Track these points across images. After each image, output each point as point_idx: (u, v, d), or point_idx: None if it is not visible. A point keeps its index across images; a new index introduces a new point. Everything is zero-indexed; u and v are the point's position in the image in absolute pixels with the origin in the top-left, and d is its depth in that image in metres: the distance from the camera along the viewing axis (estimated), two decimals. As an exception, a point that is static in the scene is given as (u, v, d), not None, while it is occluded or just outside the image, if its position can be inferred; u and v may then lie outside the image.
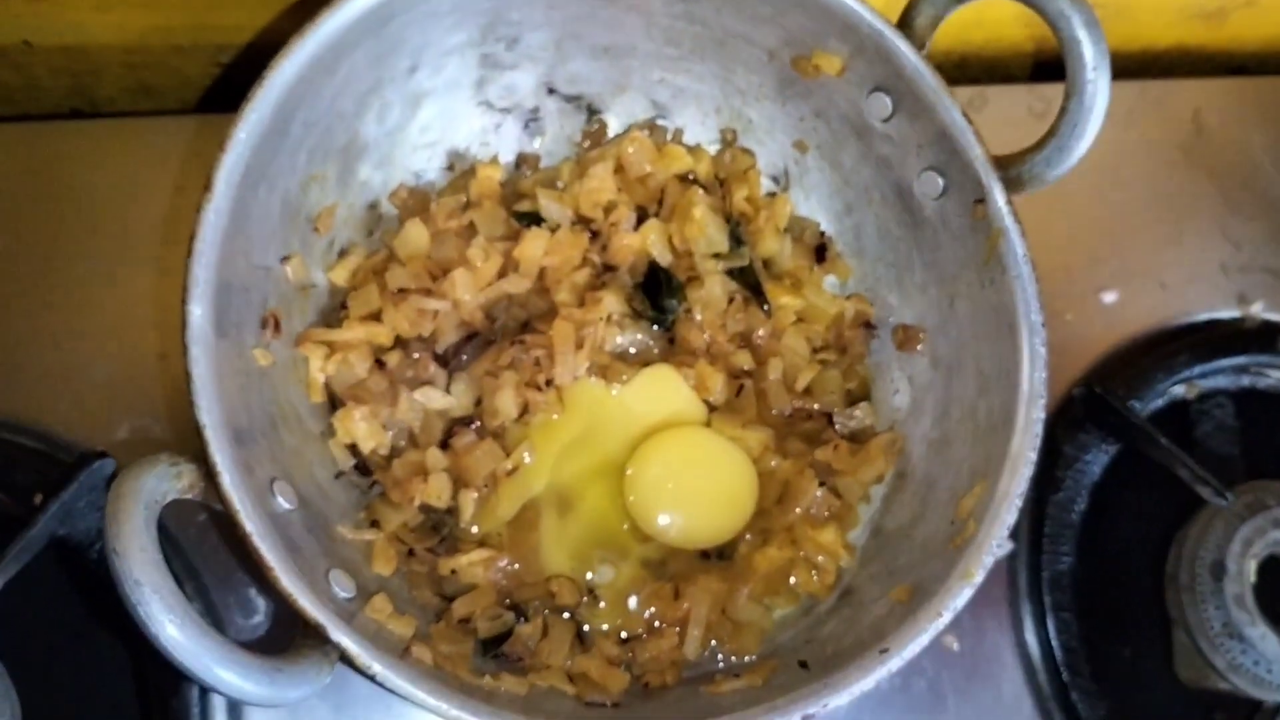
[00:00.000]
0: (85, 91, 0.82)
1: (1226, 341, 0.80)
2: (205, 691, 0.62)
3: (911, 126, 0.63)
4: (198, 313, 0.52)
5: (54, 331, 0.69)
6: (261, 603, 0.65)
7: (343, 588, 0.55)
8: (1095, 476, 0.75)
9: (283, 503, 0.55)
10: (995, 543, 0.56)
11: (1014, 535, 0.72)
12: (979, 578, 0.56)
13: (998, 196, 0.60)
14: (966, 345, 0.64)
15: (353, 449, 0.63)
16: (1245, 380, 0.79)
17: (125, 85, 0.81)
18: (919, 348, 0.67)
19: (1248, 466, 0.77)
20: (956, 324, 0.65)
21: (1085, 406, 0.75)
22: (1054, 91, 0.61)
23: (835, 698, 0.53)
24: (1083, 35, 0.57)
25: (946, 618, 0.55)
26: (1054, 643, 0.71)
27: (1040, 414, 0.58)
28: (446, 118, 0.67)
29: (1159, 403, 0.77)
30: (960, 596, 0.55)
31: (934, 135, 0.62)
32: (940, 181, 0.63)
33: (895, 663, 0.54)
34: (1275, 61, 0.95)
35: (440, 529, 0.63)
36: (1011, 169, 0.61)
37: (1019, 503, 0.57)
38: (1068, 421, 0.75)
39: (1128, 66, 0.92)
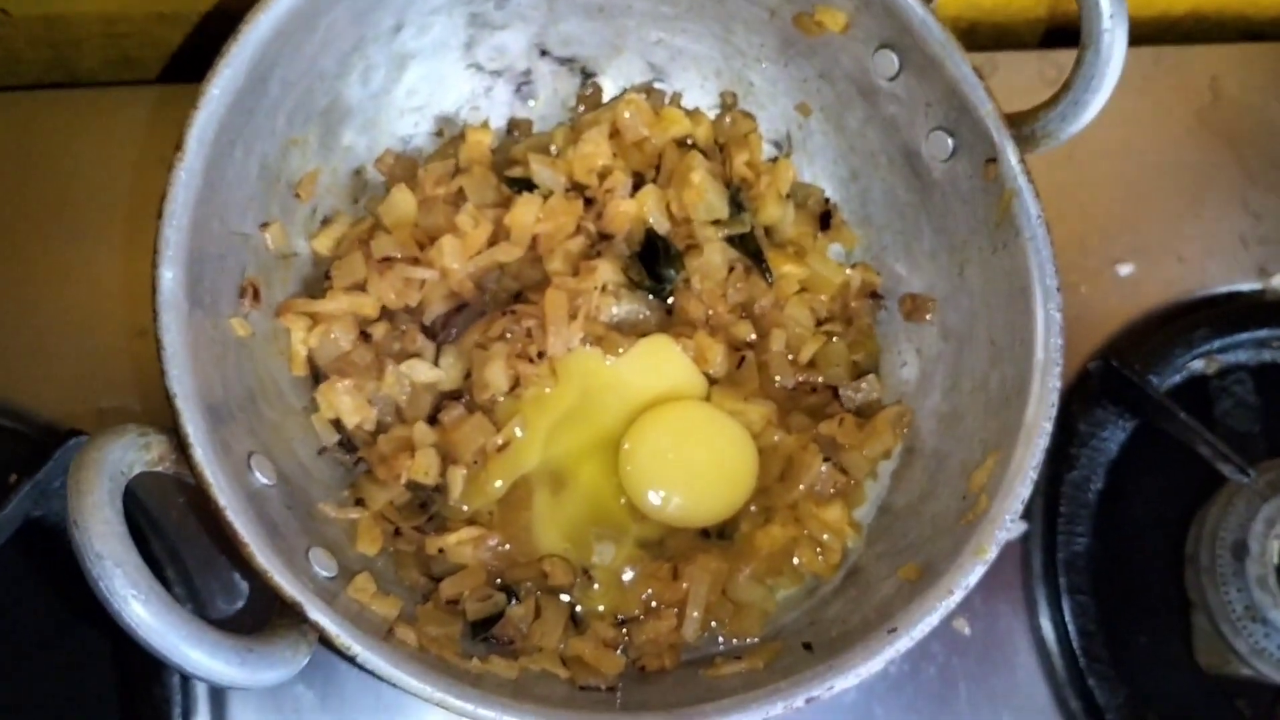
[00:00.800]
0: (66, 63, 0.79)
1: (1246, 314, 0.78)
2: (187, 679, 0.60)
3: (919, 84, 0.61)
4: (168, 276, 0.50)
5: (30, 307, 0.67)
6: (245, 587, 0.63)
7: (324, 567, 0.53)
8: (1112, 454, 0.73)
9: (261, 478, 0.53)
10: (1009, 517, 0.54)
11: (1028, 515, 0.71)
12: (992, 554, 0.53)
13: (1010, 155, 0.57)
14: (978, 314, 0.61)
15: (336, 424, 0.60)
16: (1266, 355, 0.77)
17: (107, 56, 0.79)
18: (928, 317, 0.64)
19: (1269, 444, 0.75)
20: (967, 292, 0.62)
21: (1101, 381, 0.73)
22: (1066, 58, 0.58)
23: (840, 680, 0.51)
24: (1099, -17, 0.55)
25: (957, 596, 0.52)
26: (1070, 626, 0.69)
27: (1056, 382, 0.56)
28: (434, 80, 0.64)
29: (1177, 378, 0.75)
30: (972, 574, 0.53)
31: (943, 92, 0.59)
32: (950, 142, 0.61)
33: (904, 643, 0.52)
34: None
35: (428, 507, 0.60)
36: (1024, 126, 0.58)
37: (1034, 475, 0.55)
38: (1083, 397, 0.73)
39: (1143, 32, 0.89)
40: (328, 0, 0.55)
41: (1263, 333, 0.77)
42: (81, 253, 0.68)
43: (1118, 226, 0.80)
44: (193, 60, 0.78)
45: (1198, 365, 0.76)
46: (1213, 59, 0.86)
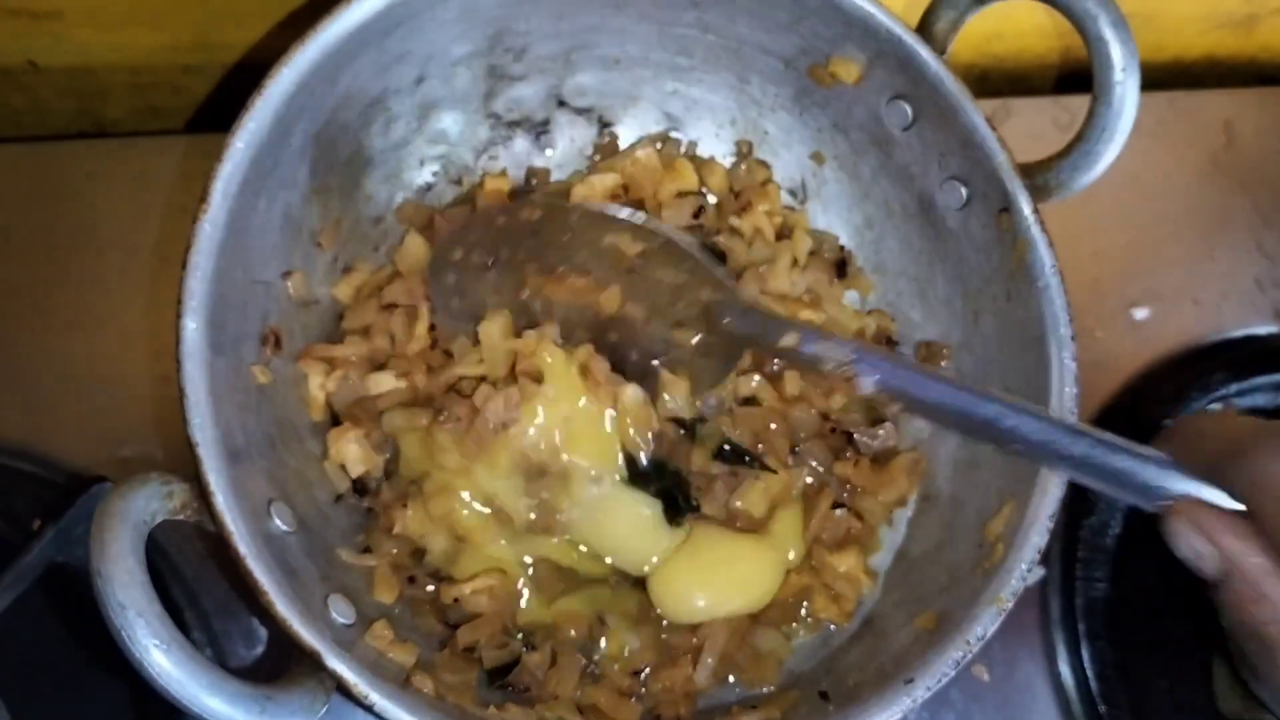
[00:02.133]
0: (93, 113, 0.81)
1: (1264, 358, 0.77)
2: None
3: (933, 134, 0.61)
4: (192, 327, 0.50)
5: (57, 354, 0.68)
6: (264, 632, 0.63)
7: (342, 614, 0.53)
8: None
9: (280, 524, 0.53)
10: (1025, 566, 0.53)
11: (1046, 560, 0.70)
12: (1009, 604, 0.53)
13: (1024, 205, 0.58)
14: (993, 361, 0.61)
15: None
16: None
17: (133, 106, 0.80)
18: (943, 364, 0.64)
19: None
20: (981, 339, 0.62)
21: (1117, 425, 0.72)
22: (1080, 103, 0.59)
23: (858, 729, 0.51)
24: (1110, 35, 0.55)
25: (975, 647, 0.52)
26: (1088, 672, 0.68)
27: (1071, 430, 0.55)
28: (454, 130, 0.65)
29: None
30: (989, 624, 0.53)
31: (956, 143, 0.60)
32: (963, 191, 0.61)
33: (920, 694, 0.51)
34: None
35: (437, 556, 0.60)
36: (1038, 177, 0.58)
37: (1050, 524, 0.54)
38: None
39: (1157, 78, 0.90)
40: (350, 54, 0.56)
41: (1279, 376, 0.76)
42: (107, 301, 0.69)
43: (1133, 270, 0.80)
44: (218, 111, 0.79)
45: (1215, 410, 0.75)
46: (1227, 103, 0.86)
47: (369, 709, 0.48)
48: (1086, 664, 0.68)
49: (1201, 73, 0.92)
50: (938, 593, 0.57)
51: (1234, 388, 0.75)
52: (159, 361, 0.67)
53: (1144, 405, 0.72)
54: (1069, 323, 0.57)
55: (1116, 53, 0.55)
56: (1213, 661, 0.70)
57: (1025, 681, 0.69)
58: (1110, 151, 0.56)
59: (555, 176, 0.69)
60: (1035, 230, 0.58)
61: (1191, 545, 0.50)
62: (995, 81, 0.89)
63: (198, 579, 0.64)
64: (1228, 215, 0.83)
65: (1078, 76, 0.89)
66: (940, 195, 0.62)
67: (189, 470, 0.49)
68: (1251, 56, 0.92)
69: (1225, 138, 0.85)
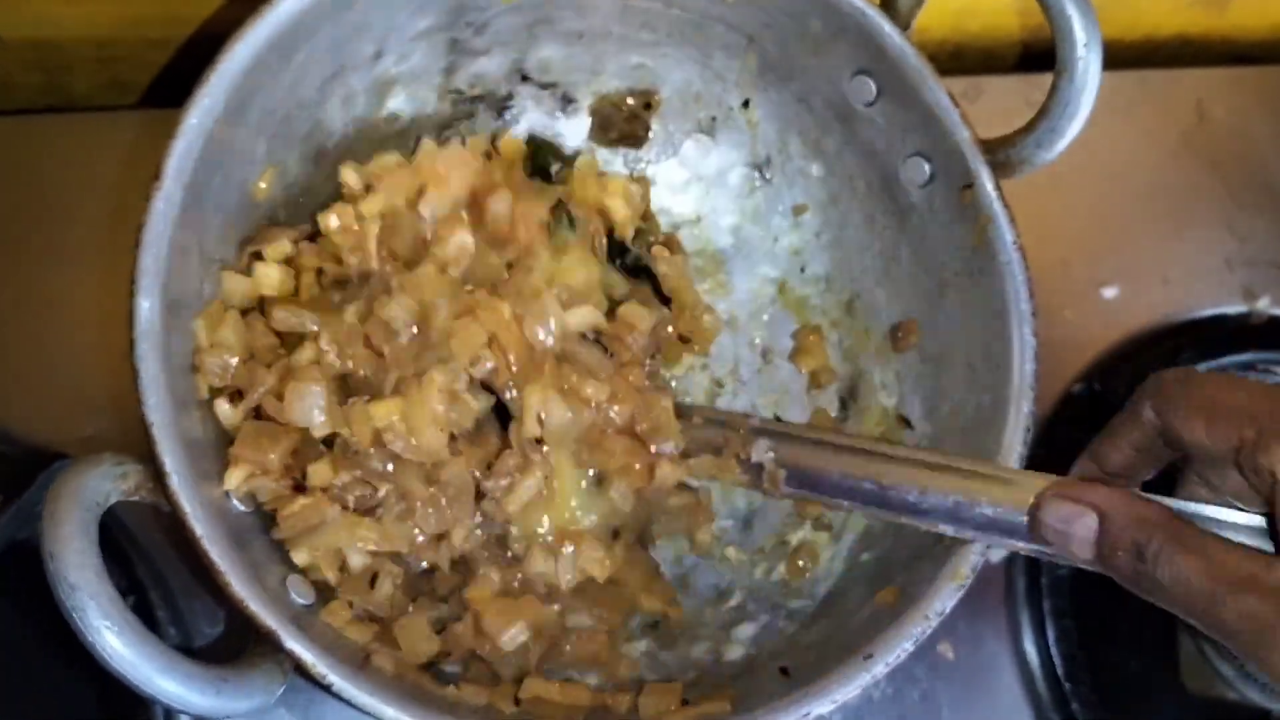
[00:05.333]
0: (59, 88, 0.80)
1: (1232, 337, 0.78)
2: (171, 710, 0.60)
3: (896, 110, 0.61)
4: (146, 305, 0.50)
5: (19, 330, 0.67)
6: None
7: (301, 595, 0.53)
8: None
9: (237, 504, 0.53)
10: (981, 545, 0.53)
11: None
12: (969, 579, 0.53)
13: (986, 181, 0.58)
14: (956, 338, 0.61)
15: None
16: (1252, 378, 0.76)
17: (99, 81, 0.79)
18: (913, 340, 0.64)
19: None
20: (946, 317, 0.62)
21: (1086, 404, 0.73)
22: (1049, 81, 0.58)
23: (817, 706, 0.51)
24: (1071, 9, 0.55)
25: (934, 622, 0.52)
26: (1053, 650, 0.69)
27: (1030, 407, 0.56)
28: (415, 107, 0.65)
29: None
30: (948, 599, 0.53)
31: (919, 119, 0.60)
32: (926, 168, 0.61)
33: (880, 669, 0.51)
34: (1277, 50, 0.93)
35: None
36: (1000, 153, 0.58)
37: (1010, 502, 0.54)
38: (1068, 420, 0.73)
39: (1128, 56, 0.90)
40: (307, 29, 0.55)
41: (1248, 355, 0.77)
42: (67, 277, 0.68)
43: (1102, 249, 0.80)
44: (178, 83, 0.78)
45: (1220, 374, 0.75)
46: (1198, 82, 0.87)
47: (328, 689, 0.48)
48: (1051, 642, 0.69)
49: (1173, 52, 0.92)
50: (899, 568, 0.57)
51: (1202, 366, 0.75)
52: (117, 338, 0.66)
53: (1112, 384, 0.72)
54: (1029, 298, 0.57)
55: (1078, 27, 0.55)
56: (1179, 638, 0.70)
57: (990, 659, 0.70)
58: (1073, 127, 0.56)
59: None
60: (997, 206, 0.57)
61: (1060, 515, 0.48)
62: (970, 58, 0.88)
63: (163, 558, 0.63)
64: (1198, 194, 0.84)
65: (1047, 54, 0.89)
66: (904, 171, 0.62)
67: (145, 451, 0.49)
68: (1224, 35, 0.92)
69: (1197, 117, 0.85)
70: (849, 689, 0.51)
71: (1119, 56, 0.88)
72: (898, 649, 0.52)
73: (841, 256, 0.68)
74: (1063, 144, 0.57)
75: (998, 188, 0.58)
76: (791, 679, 0.54)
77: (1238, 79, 0.88)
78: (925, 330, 0.64)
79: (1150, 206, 0.83)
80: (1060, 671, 0.68)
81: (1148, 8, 0.88)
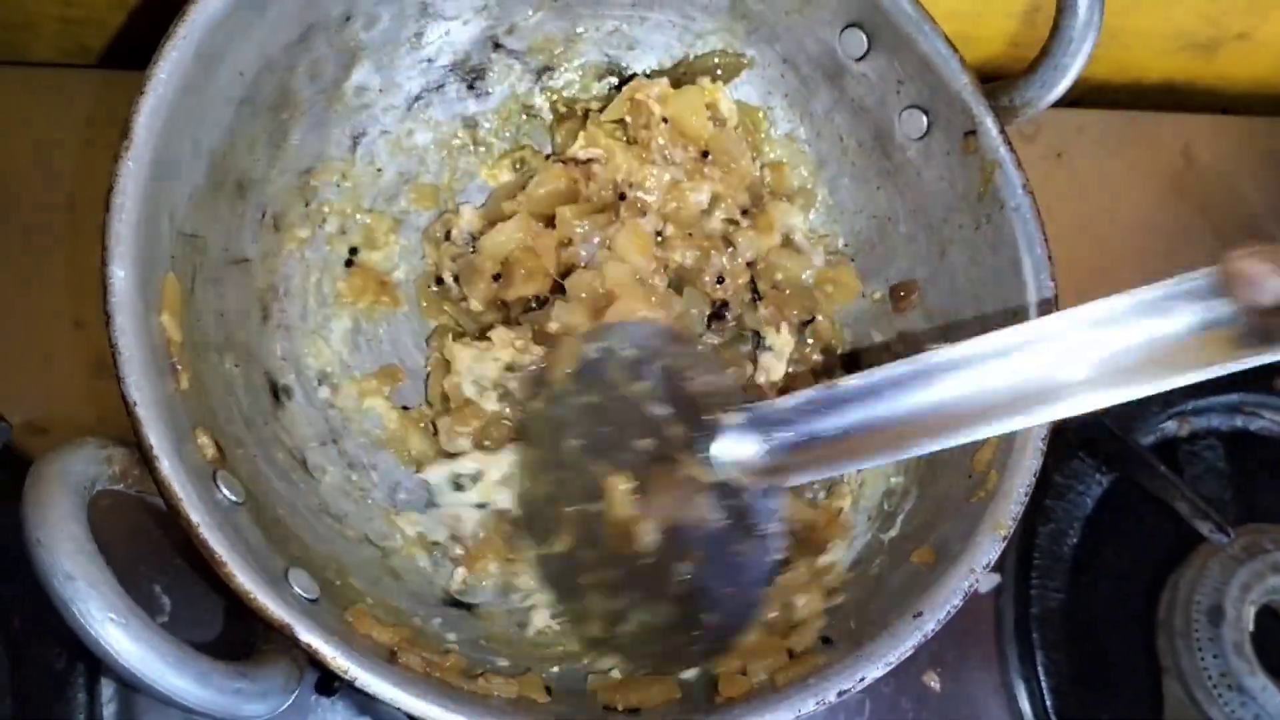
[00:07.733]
0: (20, 49, 0.75)
1: (1219, 379, 0.76)
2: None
3: (890, 62, 0.60)
4: (120, 275, 0.45)
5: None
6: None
7: (304, 588, 0.48)
8: (1087, 509, 0.72)
9: (228, 495, 0.48)
10: (1022, 489, 0.52)
11: (1000, 568, 0.69)
12: (1010, 528, 0.51)
13: (990, 126, 0.57)
14: (963, 293, 0.60)
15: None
16: (1238, 421, 0.78)
17: (62, 45, 0.75)
18: (914, 298, 0.62)
19: (1239, 511, 0.74)
20: (949, 274, 0.61)
21: (1078, 434, 0.72)
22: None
23: (871, 669, 0.48)
24: (1074, -59, 0.54)
25: (980, 574, 0.51)
26: (1043, 684, 0.67)
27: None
28: (384, 76, 0.61)
29: (1151, 439, 0.75)
30: (992, 551, 0.51)
31: (915, 69, 0.58)
32: (924, 119, 0.60)
33: (931, 626, 0.49)
34: (1262, 102, 0.94)
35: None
36: (1003, 97, 0.57)
37: (1042, 446, 0.53)
38: (1059, 449, 0.72)
39: (1116, 97, 0.91)
40: (278, -18, 0.51)
41: (1234, 397, 0.77)
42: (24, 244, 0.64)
43: (1091, 285, 0.79)
44: (136, 47, 0.73)
45: (1170, 427, 0.75)
46: (1185, 128, 0.88)
47: (350, 684, 0.43)
48: (1040, 675, 0.67)
49: (1159, 97, 0.93)
50: (929, 527, 0.55)
51: (1190, 405, 0.76)
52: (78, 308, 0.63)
53: (1101, 420, 0.71)
54: (1044, 243, 0.56)
55: (1081, -36, 0.55)
56: (1163, 681, 0.69)
57: (976, 692, 0.68)
58: (1076, 64, 0.55)
59: (492, 125, 0.65)
60: (1004, 150, 0.56)
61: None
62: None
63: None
64: (1186, 235, 0.84)
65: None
66: (899, 126, 0.61)
67: (127, 436, 0.44)
68: (1209, 86, 0.93)
69: (1184, 161, 0.86)
70: (902, 649, 0.49)
71: (1108, 94, 0.89)
72: (946, 605, 0.50)
73: (837, 221, 0.66)
74: (1067, 81, 0.56)
75: (1003, 131, 0.56)
76: (837, 646, 0.52)
77: (1224, 125, 0.89)
78: (929, 288, 0.62)
79: (1139, 245, 0.82)
80: (1049, 706, 0.67)
81: (1138, 48, 0.88)
